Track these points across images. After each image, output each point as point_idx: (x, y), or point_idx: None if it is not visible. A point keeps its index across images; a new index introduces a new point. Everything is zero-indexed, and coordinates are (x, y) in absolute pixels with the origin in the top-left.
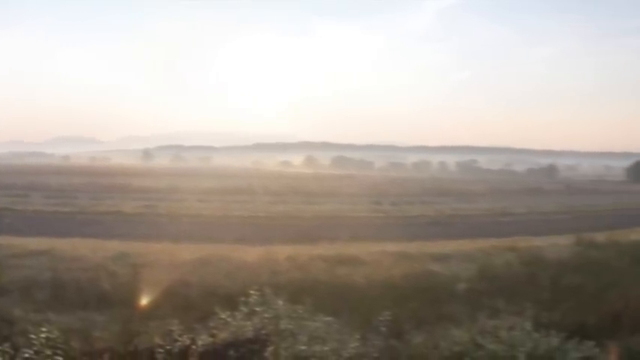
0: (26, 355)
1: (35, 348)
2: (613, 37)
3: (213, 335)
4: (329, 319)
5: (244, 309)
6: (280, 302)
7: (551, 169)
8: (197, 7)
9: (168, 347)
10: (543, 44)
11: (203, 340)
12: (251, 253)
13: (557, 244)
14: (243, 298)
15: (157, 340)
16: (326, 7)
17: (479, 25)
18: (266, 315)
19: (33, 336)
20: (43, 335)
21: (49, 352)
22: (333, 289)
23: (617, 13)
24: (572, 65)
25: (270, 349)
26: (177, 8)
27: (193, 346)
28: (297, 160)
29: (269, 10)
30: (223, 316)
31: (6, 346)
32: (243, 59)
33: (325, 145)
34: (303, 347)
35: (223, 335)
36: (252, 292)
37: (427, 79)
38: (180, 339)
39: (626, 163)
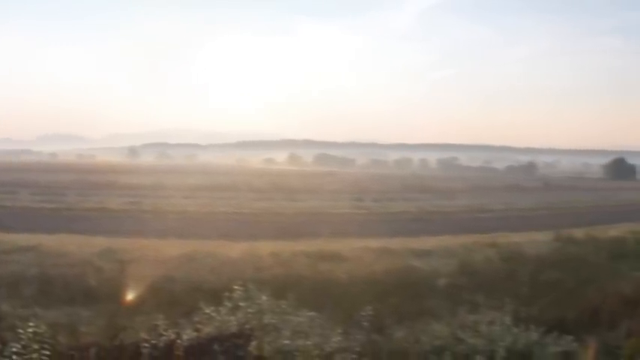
0: (14, 350)
1: (23, 342)
2: (590, 37)
3: (197, 330)
4: (312, 314)
5: (228, 304)
6: (264, 297)
7: (530, 167)
8: (181, 7)
9: (153, 342)
10: (522, 44)
11: (188, 334)
12: (235, 249)
13: (536, 240)
14: (227, 294)
15: (143, 335)
16: (308, 7)
17: (459, 25)
18: (250, 310)
19: (21, 331)
20: (30, 330)
21: (36, 346)
22: (316, 285)
23: (594, 13)
24: (550, 64)
25: (254, 343)
26: (161, 8)
27: (178, 341)
28: (280, 157)
29: (252, 10)
30: (208, 311)
31: None
32: (226, 58)
33: (308, 143)
34: (286, 342)
35: (208, 330)
36: (236, 287)
37: (408, 78)
38: (165, 333)
39: (605, 160)
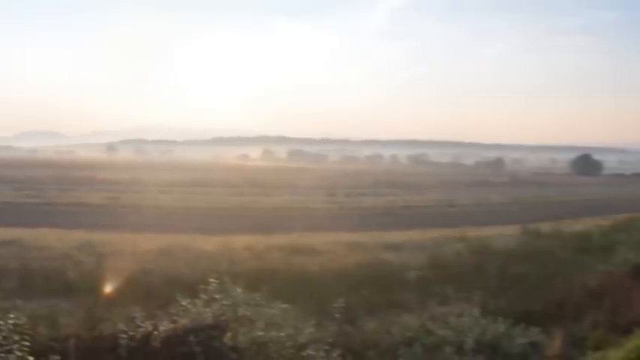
0: None
1: (4, 334)
2: (559, 36)
3: (174, 321)
4: (285, 306)
5: (204, 296)
6: (238, 290)
7: (498, 162)
8: (159, 7)
9: (131, 333)
10: (492, 42)
11: (164, 326)
12: (210, 243)
13: (504, 234)
14: (202, 286)
15: (121, 326)
16: (284, 7)
17: (430, 24)
18: (225, 302)
19: (1, 322)
20: (11, 321)
21: (16, 337)
22: (289, 278)
23: (562, 12)
24: (519, 63)
25: (229, 334)
26: (141, 8)
27: (155, 332)
28: (254, 153)
29: (229, 11)
30: (184, 303)
31: None
32: (204, 57)
33: (282, 140)
34: (260, 333)
35: (184, 321)
36: (211, 280)
37: (380, 76)
38: (142, 325)
39: (571, 155)
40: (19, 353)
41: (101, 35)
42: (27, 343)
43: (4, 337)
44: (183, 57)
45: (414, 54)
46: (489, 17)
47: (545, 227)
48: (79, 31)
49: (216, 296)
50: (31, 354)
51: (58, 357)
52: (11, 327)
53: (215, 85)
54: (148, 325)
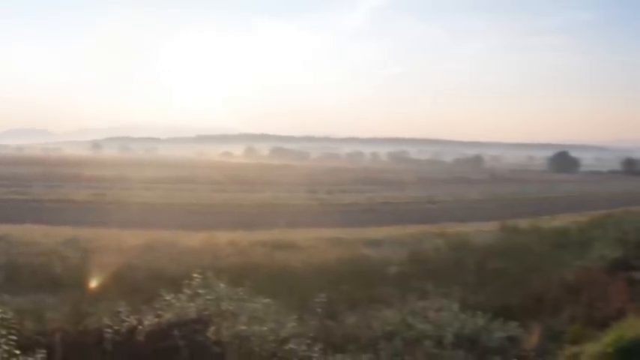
0: None
1: None
2: (535, 36)
3: (158, 316)
4: (267, 300)
5: (188, 291)
6: (222, 285)
7: (477, 159)
8: (145, 6)
9: (116, 327)
10: (470, 42)
11: (149, 320)
12: (194, 239)
13: (482, 230)
14: (186, 281)
15: (106, 321)
16: (266, 7)
17: (409, 24)
18: (208, 297)
19: None
20: None
21: (3, 331)
22: (272, 273)
23: (540, 12)
24: (497, 62)
25: (212, 329)
26: (126, 7)
27: (140, 327)
28: (237, 150)
29: (213, 10)
30: (168, 298)
31: None
32: (188, 56)
33: (264, 137)
34: (243, 327)
35: (168, 316)
36: (195, 275)
37: (360, 74)
38: (127, 319)
39: (548, 153)
40: (5, 347)
41: (87, 34)
42: (13, 337)
43: None
44: (167, 56)
45: (394, 53)
46: (467, 17)
47: (523, 223)
48: (65, 29)
49: (200, 291)
50: (17, 348)
51: (44, 351)
52: None
53: (199, 83)
54: (132, 320)
